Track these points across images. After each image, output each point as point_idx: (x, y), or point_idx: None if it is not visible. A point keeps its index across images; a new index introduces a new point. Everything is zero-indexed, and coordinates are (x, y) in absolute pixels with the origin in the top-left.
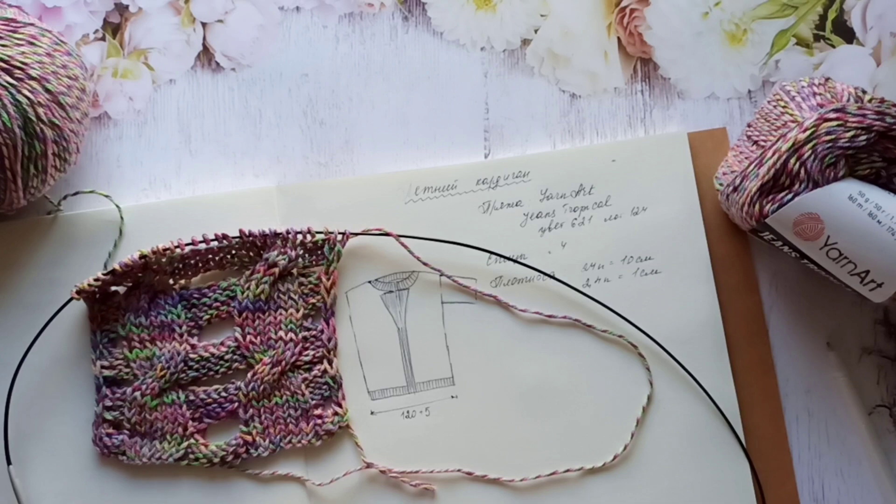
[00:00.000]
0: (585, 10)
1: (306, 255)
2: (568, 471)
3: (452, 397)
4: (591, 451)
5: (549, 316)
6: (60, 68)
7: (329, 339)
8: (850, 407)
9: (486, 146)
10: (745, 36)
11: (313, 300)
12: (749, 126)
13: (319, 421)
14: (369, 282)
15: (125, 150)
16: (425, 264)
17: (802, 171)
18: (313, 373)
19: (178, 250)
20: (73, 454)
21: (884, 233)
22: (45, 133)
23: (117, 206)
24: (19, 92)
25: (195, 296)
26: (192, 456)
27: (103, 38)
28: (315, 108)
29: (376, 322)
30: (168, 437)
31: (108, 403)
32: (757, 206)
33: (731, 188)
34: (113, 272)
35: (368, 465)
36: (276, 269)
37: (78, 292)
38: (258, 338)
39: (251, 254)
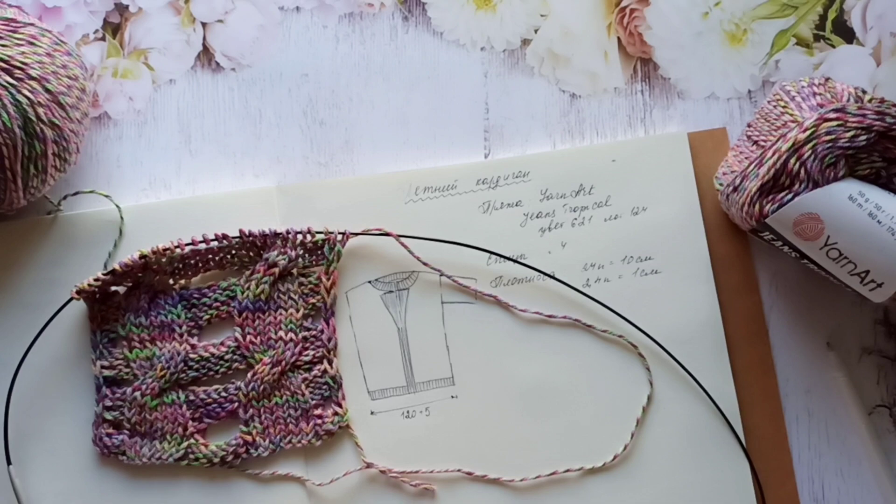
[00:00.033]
0: (585, 10)
1: (306, 255)
2: (568, 471)
3: (452, 397)
4: (591, 451)
5: (549, 316)
6: (60, 68)
7: (329, 339)
8: (850, 407)
9: (486, 146)
10: (745, 36)
11: (313, 300)
12: (749, 126)
13: (319, 421)
14: (369, 282)
15: (125, 150)
16: (425, 264)
17: (802, 171)
18: (313, 373)
19: (178, 250)
20: (73, 454)
21: (884, 233)
22: (45, 133)
23: (117, 206)
24: (19, 92)
25: (195, 296)
26: (192, 456)
27: (103, 38)
28: (315, 108)
29: (376, 322)
30: (168, 437)
31: (108, 403)
32: (757, 206)
33: (731, 188)
34: (113, 272)
35: (368, 465)
36: (276, 269)
37: (78, 292)
38: (258, 338)
39: (251, 254)
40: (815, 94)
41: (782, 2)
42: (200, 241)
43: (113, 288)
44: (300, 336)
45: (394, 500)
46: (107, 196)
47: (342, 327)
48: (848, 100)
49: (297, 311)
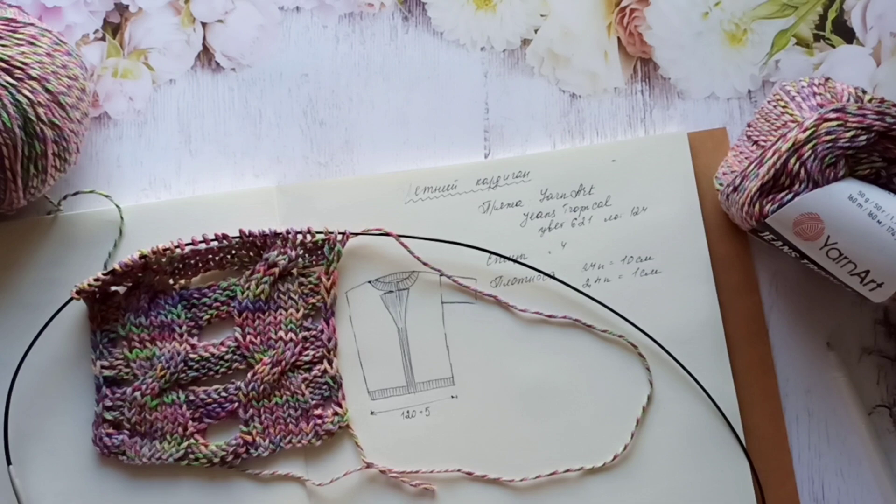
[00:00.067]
0: (585, 10)
1: (306, 255)
2: (568, 471)
3: (452, 397)
4: (591, 451)
5: (549, 316)
6: (60, 68)
7: (329, 339)
8: (850, 407)
9: (486, 146)
10: (745, 36)
11: (313, 300)
12: (749, 126)
13: (319, 421)
14: (369, 282)
15: (125, 150)
16: (425, 264)
17: (802, 171)
18: (313, 373)
19: (178, 250)
20: (73, 454)
21: (884, 233)
22: (45, 133)
23: (117, 206)
24: (19, 92)
25: (195, 296)
26: (192, 456)
27: (103, 38)
28: (315, 108)
29: (376, 322)
30: (168, 437)
31: (108, 403)
32: (757, 206)
33: (731, 188)
34: (113, 272)
35: (368, 465)
36: (276, 269)
37: (78, 292)
38: (258, 338)
39: (251, 254)
40: (815, 94)
41: (782, 2)
42: (200, 241)
43: (113, 288)
44: (300, 336)
45: (394, 500)
46: (107, 196)
47: (342, 327)
48: (848, 100)
49: (297, 311)
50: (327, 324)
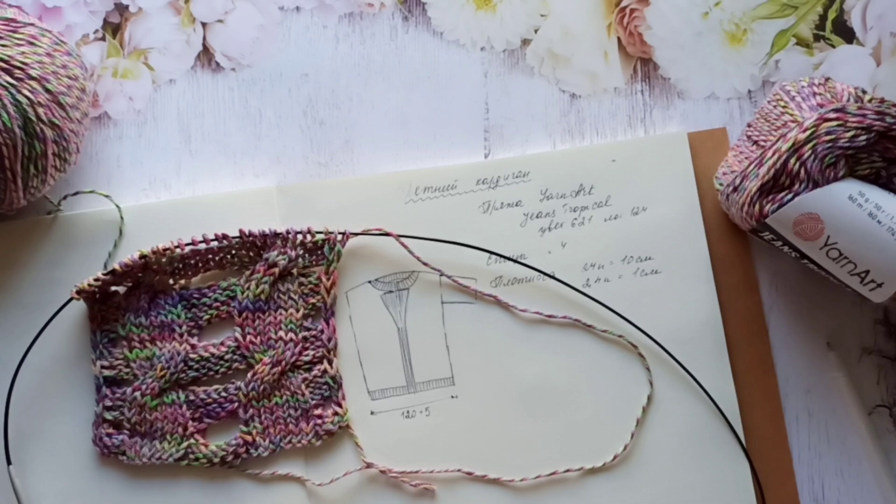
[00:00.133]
0: (585, 10)
1: (306, 255)
2: (568, 471)
3: (452, 397)
4: (591, 451)
5: (549, 316)
6: (60, 68)
7: (329, 339)
8: (850, 407)
9: (486, 146)
10: (745, 36)
11: (313, 300)
12: (749, 126)
13: (319, 421)
14: (369, 282)
15: (125, 150)
16: (425, 264)
17: (802, 171)
18: (313, 373)
19: (178, 250)
20: (73, 454)
21: (884, 233)
22: (45, 133)
23: (117, 206)
24: (19, 92)
25: (195, 296)
26: (192, 456)
27: (103, 38)
28: (315, 108)
29: (376, 322)
30: (168, 437)
31: (108, 403)
32: (757, 206)
33: (731, 188)
34: (113, 272)
35: (368, 465)
36: (276, 269)
37: (78, 292)
38: (258, 338)
39: (251, 254)
40: (815, 94)
41: (782, 2)
42: (200, 241)
43: (113, 288)
44: (300, 336)
45: (394, 500)
46: (107, 196)
47: (342, 327)
48: (848, 100)
49: (297, 311)
50: (327, 324)
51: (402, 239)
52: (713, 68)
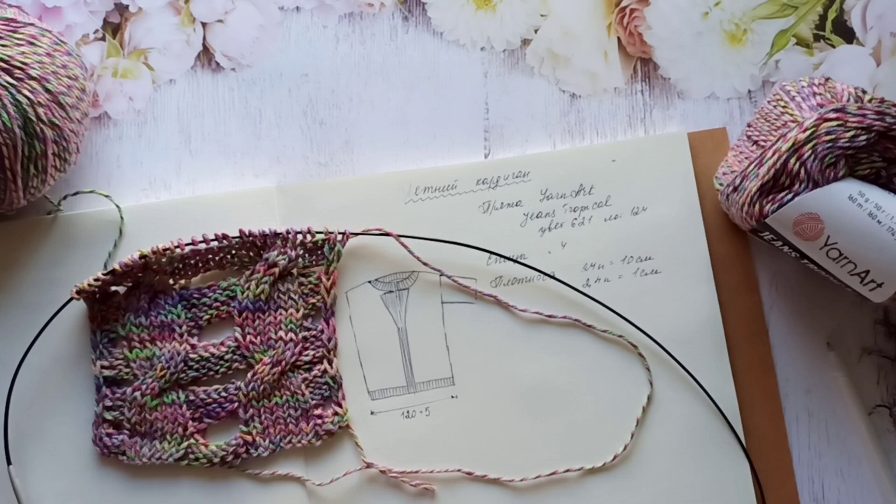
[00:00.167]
0: (585, 10)
1: (306, 255)
2: (568, 471)
3: (452, 397)
4: (591, 451)
5: (549, 316)
6: (60, 68)
7: (329, 339)
8: (850, 407)
9: (486, 146)
10: (745, 36)
11: (313, 300)
12: (749, 126)
13: (319, 421)
14: (369, 282)
15: (125, 150)
16: (425, 264)
17: (802, 171)
18: (313, 373)
19: (178, 250)
20: (73, 454)
21: (884, 233)
22: (45, 133)
23: (117, 206)
24: (19, 92)
25: (195, 296)
26: (192, 456)
27: (103, 38)
28: (315, 108)
29: (376, 322)
30: (168, 437)
31: (108, 403)
32: (757, 206)
33: (731, 188)
34: (113, 272)
35: (368, 465)
36: (276, 269)
37: (78, 292)
38: (258, 338)
39: (251, 254)
40: (815, 94)
41: (782, 2)
42: (200, 241)
43: (113, 288)
44: (300, 336)
45: (394, 500)
46: (107, 196)
47: (342, 327)
48: (848, 100)
49: (297, 311)
50: (327, 324)
51: (402, 239)
52: (713, 68)
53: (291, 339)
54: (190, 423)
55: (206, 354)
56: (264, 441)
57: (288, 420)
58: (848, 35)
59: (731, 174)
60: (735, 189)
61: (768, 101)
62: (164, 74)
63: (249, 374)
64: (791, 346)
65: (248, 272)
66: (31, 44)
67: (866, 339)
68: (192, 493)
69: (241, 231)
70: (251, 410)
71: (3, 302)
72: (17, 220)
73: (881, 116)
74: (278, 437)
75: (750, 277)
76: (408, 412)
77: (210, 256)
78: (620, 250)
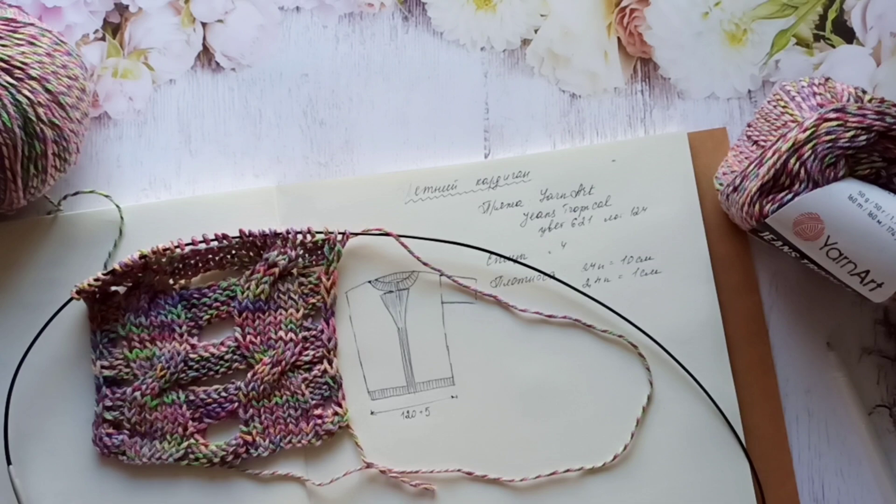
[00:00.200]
0: (585, 10)
1: (306, 255)
2: (568, 471)
3: (452, 397)
4: (591, 451)
5: (549, 316)
6: (60, 68)
7: (329, 339)
8: (850, 407)
9: (486, 146)
10: (745, 36)
11: (313, 300)
12: (749, 126)
13: (319, 421)
14: (369, 282)
15: (125, 150)
16: (425, 264)
17: (802, 171)
18: (313, 373)
19: (178, 250)
20: (73, 454)
21: (884, 233)
22: (45, 133)
23: (117, 206)
24: (19, 92)
25: (195, 296)
26: (192, 456)
27: (103, 38)
28: (315, 108)
29: (376, 322)
30: (168, 437)
31: (108, 403)
32: (757, 206)
33: (731, 188)
34: (113, 272)
35: (368, 465)
36: (276, 269)
37: (78, 292)
38: (258, 338)
39: (251, 254)
40: (815, 94)
41: (782, 2)
42: (200, 241)
43: (113, 288)
44: (300, 336)
45: (394, 500)
46: (107, 196)
47: (342, 327)
48: (848, 100)
49: (297, 311)
50: (327, 324)
51: (402, 239)
52: (713, 68)
53: (291, 339)
54: (190, 423)
55: (206, 354)
56: (264, 441)
57: (288, 420)
58: (848, 35)
59: (731, 174)
60: (735, 189)
61: (768, 101)
62: (164, 74)
63: (249, 374)
64: (791, 346)
65: (248, 272)
66: (31, 44)
67: (866, 339)
68: (192, 493)
69: (241, 231)
70: (251, 410)
71: (3, 302)
72: (17, 220)
73: (881, 116)
74: (278, 437)
75: (750, 277)
76: (408, 412)
77: (210, 256)
78: (620, 250)
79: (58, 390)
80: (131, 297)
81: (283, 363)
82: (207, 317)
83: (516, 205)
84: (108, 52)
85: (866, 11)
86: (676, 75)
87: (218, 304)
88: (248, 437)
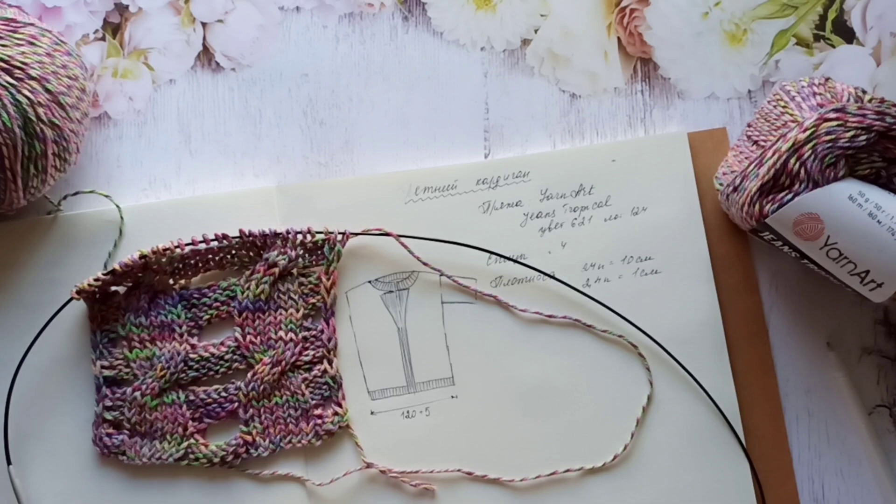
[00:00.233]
0: (585, 10)
1: (306, 255)
2: (568, 471)
3: (452, 397)
4: (591, 451)
5: (549, 316)
6: (60, 68)
7: (329, 339)
8: (850, 407)
9: (486, 146)
10: (745, 36)
11: (313, 300)
12: (749, 126)
13: (319, 421)
14: (369, 282)
15: (125, 150)
16: (425, 264)
17: (802, 171)
18: (313, 373)
19: (178, 250)
20: (73, 454)
21: (884, 233)
22: (45, 133)
23: (117, 206)
24: (19, 92)
25: (195, 296)
26: (192, 456)
27: (103, 38)
28: (315, 108)
29: (376, 322)
30: (168, 437)
31: (108, 403)
32: (757, 206)
33: (731, 188)
34: (113, 272)
35: (368, 465)
36: (276, 269)
37: (78, 292)
38: (258, 338)
39: (251, 254)
40: (815, 94)
41: (782, 2)
42: (200, 241)
43: (113, 288)
44: (300, 336)
45: (394, 500)
46: (107, 196)
47: (342, 327)
48: (848, 100)
49: (297, 311)
50: (327, 324)
51: (402, 239)
52: (713, 68)
53: (291, 339)
54: (190, 423)
55: (206, 354)
56: (264, 441)
57: (288, 420)
58: (848, 35)
59: (731, 174)
60: (735, 189)
61: (768, 101)
62: (164, 74)
63: (249, 374)
64: (791, 346)
65: (248, 272)
66: (31, 44)
67: (866, 339)
68: (192, 493)
69: (241, 231)
70: (251, 410)
71: (3, 302)
72: (17, 220)
73: (881, 116)
74: (278, 437)
75: (750, 277)
76: (408, 412)
77: (210, 256)
78: (620, 250)
79: (58, 390)
80: (131, 297)
81: (283, 363)
82: (207, 317)
83: (516, 205)
84: (108, 52)
85: (866, 11)
86: (676, 75)
87: (218, 304)
88: (248, 437)
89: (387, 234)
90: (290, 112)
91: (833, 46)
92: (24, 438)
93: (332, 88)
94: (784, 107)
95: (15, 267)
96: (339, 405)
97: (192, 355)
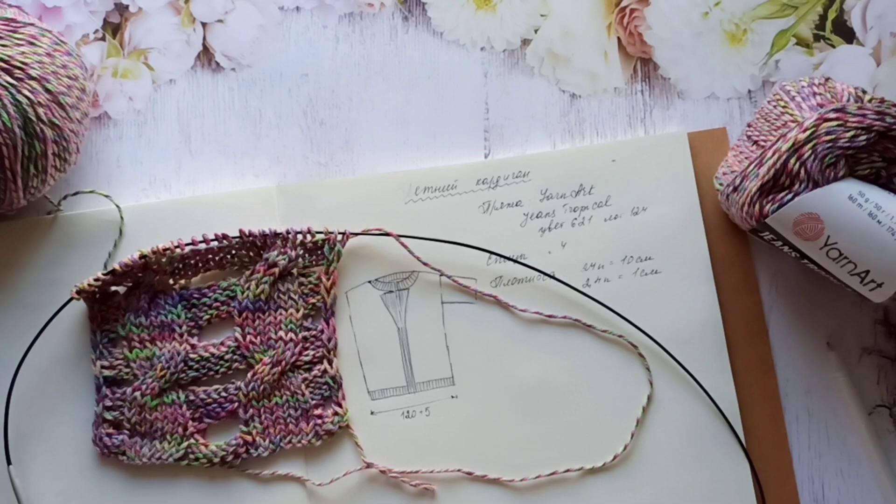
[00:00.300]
0: (585, 10)
1: (306, 255)
2: (568, 471)
3: (452, 397)
4: (591, 451)
5: (549, 316)
6: (60, 68)
7: (329, 339)
8: (850, 407)
9: (486, 146)
10: (745, 36)
11: (313, 300)
12: (749, 126)
13: (319, 421)
14: (369, 282)
15: (125, 150)
16: (425, 264)
17: (802, 171)
18: (313, 373)
19: (178, 250)
20: (73, 454)
21: (884, 233)
22: (45, 133)
23: (117, 206)
24: (19, 92)
25: (195, 296)
26: (192, 456)
27: (103, 38)
28: (315, 108)
29: (376, 322)
30: (168, 437)
31: (108, 403)
32: (757, 206)
33: (731, 188)
34: (113, 272)
35: (368, 465)
36: (276, 269)
37: (78, 292)
38: (258, 338)
39: (251, 254)
40: (815, 94)
41: (782, 2)
42: (200, 241)
43: (113, 288)
44: (300, 336)
45: (394, 500)
46: (107, 196)
47: (342, 327)
48: (848, 100)
49: (297, 311)
50: (327, 324)
51: (402, 239)
52: (713, 68)
53: (291, 339)
54: (190, 423)
55: (206, 354)
56: (264, 441)
57: (288, 420)
58: (848, 35)
59: (731, 174)
60: (735, 189)
61: (768, 101)
62: (164, 74)
63: (249, 374)
64: (791, 346)
65: (248, 272)
66: (31, 44)
67: (866, 339)
68: (192, 493)
69: (241, 231)
70: (251, 410)
71: (3, 302)
72: (17, 220)
73: (881, 116)
74: (278, 437)
75: (750, 277)
76: (408, 412)
77: (210, 256)
78: (620, 250)
79: (58, 390)
80: (131, 297)
81: (283, 363)
82: (207, 317)
83: (516, 205)
84: (108, 52)
85: (866, 11)
86: (676, 75)
87: (218, 304)
88: (248, 437)
89: (387, 234)
90: (290, 112)
91: (833, 46)
92: (24, 438)
93: (332, 88)
94: (784, 107)
95: (15, 267)
96: (339, 405)
97: (192, 355)
